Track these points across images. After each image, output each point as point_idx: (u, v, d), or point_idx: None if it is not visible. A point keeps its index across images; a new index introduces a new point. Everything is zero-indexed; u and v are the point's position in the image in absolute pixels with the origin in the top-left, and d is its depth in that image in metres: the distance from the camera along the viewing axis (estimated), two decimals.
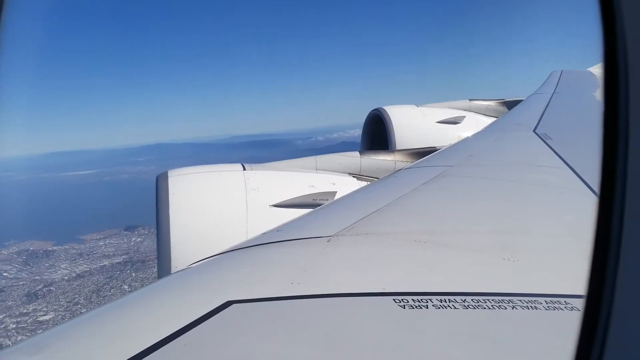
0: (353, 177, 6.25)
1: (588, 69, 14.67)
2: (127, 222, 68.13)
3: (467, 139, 7.12)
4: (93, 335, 1.83)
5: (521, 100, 10.54)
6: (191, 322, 1.70)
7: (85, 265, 55.43)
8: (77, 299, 45.80)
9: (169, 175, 5.25)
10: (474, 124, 9.55)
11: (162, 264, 4.71)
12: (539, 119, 7.09)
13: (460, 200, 3.66)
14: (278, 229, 3.14)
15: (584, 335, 0.95)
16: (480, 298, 1.89)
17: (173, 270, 4.54)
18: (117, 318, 2.00)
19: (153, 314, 1.98)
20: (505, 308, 1.83)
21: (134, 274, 49.09)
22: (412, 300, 1.86)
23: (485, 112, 10.85)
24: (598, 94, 10.27)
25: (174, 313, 1.89)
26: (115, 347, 1.68)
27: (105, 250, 60.93)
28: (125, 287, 45.04)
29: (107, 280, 49.79)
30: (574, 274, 2.25)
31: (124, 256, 56.85)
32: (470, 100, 11.13)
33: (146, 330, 1.75)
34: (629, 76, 0.85)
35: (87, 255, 59.66)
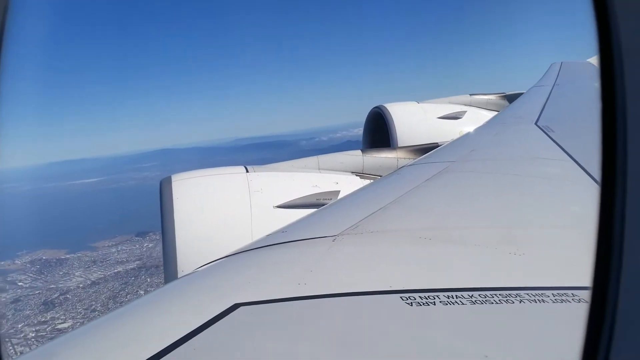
0: (356, 175, 6.25)
1: (588, 59, 14.65)
2: (138, 228, 68.34)
3: (468, 133, 7.11)
4: (101, 343, 1.84)
5: (522, 94, 10.52)
6: (199, 326, 1.70)
7: (99, 272, 55.66)
8: (94, 306, 46.04)
9: (172, 179, 5.26)
10: (475, 118, 9.53)
11: (169, 268, 4.72)
12: (540, 111, 7.07)
13: (464, 195, 3.66)
14: (282, 230, 3.14)
15: (590, 331, 0.95)
16: (488, 293, 1.89)
17: (179, 274, 4.54)
18: (125, 324, 2.01)
19: (161, 319, 1.98)
20: (513, 302, 1.82)
21: (149, 279, 49.14)
22: (419, 297, 1.86)
23: (486, 106, 10.84)
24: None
25: (182, 317, 1.89)
26: (125, 353, 1.69)
27: (118, 256, 61.14)
28: (142, 292, 45.09)
29: (123, 286, 49.96)
30: (580, 266, 2.25)
31: (137, 262, 57.03)
32: (470, 94, 11.12)
33: (155, 335, 1.75)
34: (624, 70, 0.85)
35: (101, 262, 59.90)
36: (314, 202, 5.17)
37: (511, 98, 10.85)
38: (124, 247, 64.36)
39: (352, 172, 6.35)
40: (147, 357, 1.52)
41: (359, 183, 5.88)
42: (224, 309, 1.82)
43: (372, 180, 5.96)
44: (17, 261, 59.00)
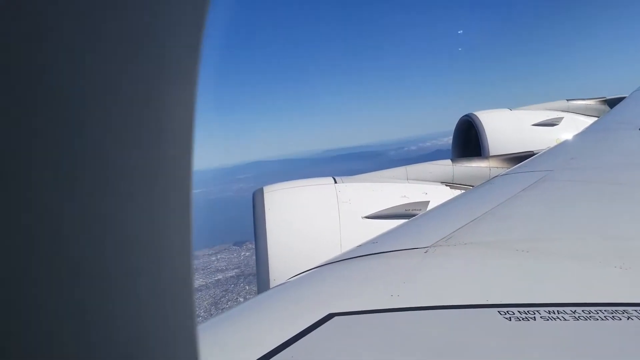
0: (446, 185, 6.15)
1: None
2: (235, 238, 71.24)
3: (566, 141, 6.79)
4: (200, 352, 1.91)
5: (624, 98, 9.92)
6: (295, 335, 1.73)
7: (201, 280, 58.60)
8: (197, 312, 48.32)
9: (264, 191, 5.43)
10: (573, 125, 9.11)
11: (261, 277, 4.87)
12: None
13: (563, 206, 3.49)
14: (373, 241, 3.14)
15: None
16: (592, 309, 1.79)
17: (272, 283, 4.66)
18: (221, 332, 2.08)
19: (257, 327, 2.04)
20: (620, 319, 1.72)
21: (247, 287, 50.92)
22: (519, 312, 1.80)
23: (584, 112, 10.31)
24: None
25: (277, 326, 1.94)
26: None
27: (217, 264, 64.05)
28: (241, 299, 46.80)
29: (223, 293, 52.28)
30: None
31: (235, 270, 59.46)
32: (567, 100, 10.62)
33: (252, 343, 1.81)
34: None
35: (202, 270, 62.96)
36: (403, 213, 5.14)
37: (612, 103, 10.26)
38: (222, 256, 67.24)
39: (442, 182, 6.25)
40: None
41: (449, 193, 5.78)
42: (318, 319, 1.85)
43: (462, 191, 5.83)
44: None
